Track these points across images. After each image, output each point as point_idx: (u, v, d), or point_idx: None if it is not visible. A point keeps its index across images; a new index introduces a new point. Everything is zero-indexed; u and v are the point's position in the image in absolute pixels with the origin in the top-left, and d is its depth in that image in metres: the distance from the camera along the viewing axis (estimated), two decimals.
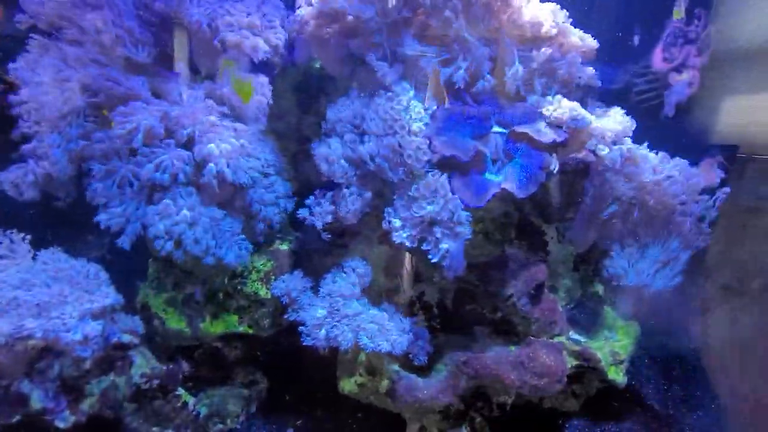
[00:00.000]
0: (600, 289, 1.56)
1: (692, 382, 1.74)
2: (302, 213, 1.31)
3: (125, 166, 1.23)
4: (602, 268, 1.50)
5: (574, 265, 1.54)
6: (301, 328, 1.32)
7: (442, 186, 1.11)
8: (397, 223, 1.14)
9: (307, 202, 1.32)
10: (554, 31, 1.19)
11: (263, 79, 1.49)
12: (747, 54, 1.61)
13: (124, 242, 1.25)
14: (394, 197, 1.16)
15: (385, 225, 1.16)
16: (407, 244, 1.13)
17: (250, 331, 1.50)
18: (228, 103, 1.41)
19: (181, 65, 1.41)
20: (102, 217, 1.23)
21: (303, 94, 1.66)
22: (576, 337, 1.51)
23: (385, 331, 1.25)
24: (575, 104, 1.15)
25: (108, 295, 1.23)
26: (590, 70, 1.21)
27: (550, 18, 1.19)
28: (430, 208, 1.10)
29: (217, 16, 1.37)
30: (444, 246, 1.11)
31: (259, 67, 1.55)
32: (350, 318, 1.27)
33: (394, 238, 1.14)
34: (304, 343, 1.31)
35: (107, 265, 1.53)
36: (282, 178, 1.45)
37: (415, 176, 1.13)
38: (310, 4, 1.30)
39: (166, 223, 1.22)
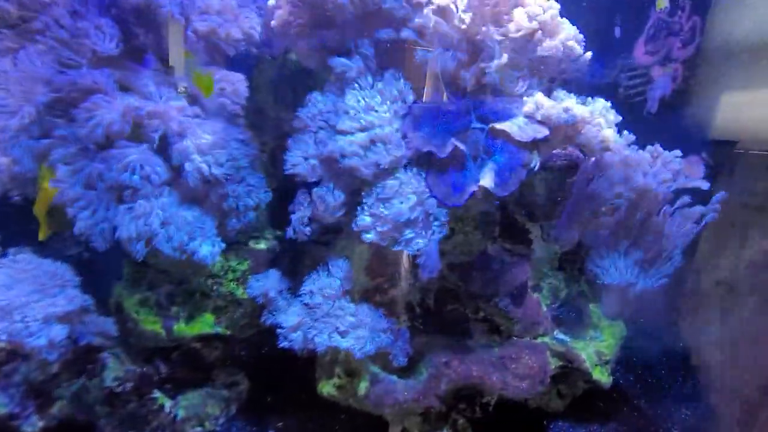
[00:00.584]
0: (586, 288, 1.53)
1: (680, 379, 1.72)
2: (289, 233, 1.27)
3: (92, 164, 1.19)
4: (587, 266, 1.47)
5: (560, 263, 1.50)
6: (278, 330, 1.29)
7: (415, 183, 1.07)
8: (368, 220, 1.10)
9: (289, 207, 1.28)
10: (541, 23, 1.14)
11: (239, 74, 1.45)
12: (744, 49, 1.58)
13: (99, 244, 1.21)
14: (364, 194, 1.12)
15: (353, 226, 1.13)
16: (378, 242, 1.09)
17: (228, 332, 1.46)
18: (202, 96, 1.36)
19: (174, 59, 1.36)
20: (79, 225, 1.19)
21: (282, 87, 1.61)
22: (561, 336, 1.48)
23: (363, 331, 1.22)
24: (559, 98, 1.11)
25: (74, 298, 1.19)
26: (586, 56, 1.15)
27: (538, 10, 1.14)
28: (402, 205, 1.06)
29: (188, 5, 1.32)
30: (418, 243, 1.07)
31: (235, 58, 1.50)
32: (328, 319, 1.24)
33: (363, 238, 1.10)
34: (280, 345, 1.29)
35: (84, 263, 1.50)
36: (256, 173, 1.40)
37: (388, 173, 1.09)
38: None
39: (138, 224, 1.18)
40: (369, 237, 1.11)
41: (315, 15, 1.24)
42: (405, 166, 1.11)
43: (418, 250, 1.08)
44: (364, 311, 1.25)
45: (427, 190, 1.09)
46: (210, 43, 1.36)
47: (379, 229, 1.09)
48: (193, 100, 1.37)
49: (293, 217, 1.26)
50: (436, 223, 1.07)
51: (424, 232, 1.07)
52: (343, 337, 1.19)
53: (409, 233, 1.08)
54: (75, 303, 1.19)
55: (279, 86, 1.60)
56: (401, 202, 1.07)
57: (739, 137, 1.63)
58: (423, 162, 1.12)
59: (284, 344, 1.27)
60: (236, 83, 1.42)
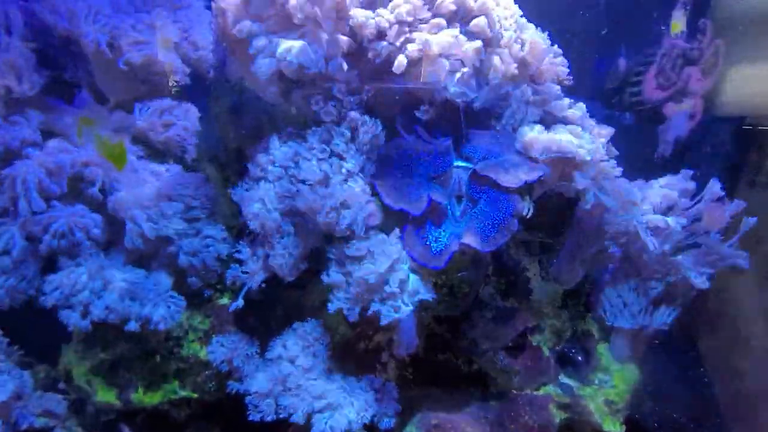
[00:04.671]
0: (592, 326, 1.37)
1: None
2: (233, 271, 1.12)
3: (12, 230, 1.02)
4: (593, 303, 1.31)
5: (562, 300, 1.34)
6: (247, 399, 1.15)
7: (386, 243, 0.90)
8: (334, 284, 0.94)
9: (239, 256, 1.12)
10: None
11: (187, 105, 1.27)
12: (754, 20, 1.41)
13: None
14: (330, 256, 0.97)
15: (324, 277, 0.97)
16: (346, 312, 0.93)
17: (195, 396, 1.32)
18: (145, 137, 1.19)
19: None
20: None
21: (243, 116, 1.43)
22: (566, 381, 1.33)
23: (341, 404, 1.07)
24: (555, 133, 0.93)
25: (6, 384, 1.04)
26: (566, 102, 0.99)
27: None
28: (371, 268, 0.90)
29: (119, 33, 1.13)
30: (391, 314, 0.91)
31: (187, 86, 1.32)
32: (300, 392, 1.09)
33: (329, 306, 0.95)
34: (249, 418, 1.14)
35: (28, 321, 1.35)
36: (214, 221, 1.23)
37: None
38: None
39: (64, 292, 1.02)
40: (338, 304, 0.94)
41: None
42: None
43: (395, 320, 0.92)
44: (341, 378, 1.10)
45: (403, 248, 0.92)
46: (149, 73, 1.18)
47: (346, 294, 0.93)
48: (135, 137, 1.20)
49: (247, 268, 1.09)
50: (412, 290, 0.91)
51: (398, 300, 0.91)
52: (320, 414, 1.04)
53: (380, 302, 0.91)
54: (7, 390, 1.03)
55: (239, 113, 1.42)
56: (371, 265, 0.90)
57: (747, 113, 1.47)
58: (398, 215, 0.95)
59: (254, 417, 1.13)
60: (184, 116, 1.25)
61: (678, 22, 1.20)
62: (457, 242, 0.90)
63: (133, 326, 1.12)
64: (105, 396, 1.25)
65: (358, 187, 0.91)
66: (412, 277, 0.92)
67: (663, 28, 1.15)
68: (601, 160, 0.97)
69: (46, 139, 1.09)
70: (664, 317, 1.22)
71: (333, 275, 0.97)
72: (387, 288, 0.89)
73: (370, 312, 0.94)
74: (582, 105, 1.01)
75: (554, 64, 1.00)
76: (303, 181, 0.97)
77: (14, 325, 1.31)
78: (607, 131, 1.07)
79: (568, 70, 1.02)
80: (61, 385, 1.32)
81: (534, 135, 0.94)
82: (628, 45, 1.25)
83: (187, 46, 1.25)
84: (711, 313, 1.67)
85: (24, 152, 1.03)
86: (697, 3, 1.30)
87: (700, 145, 1.42)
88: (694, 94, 1.23)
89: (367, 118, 0.97)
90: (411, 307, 0.90)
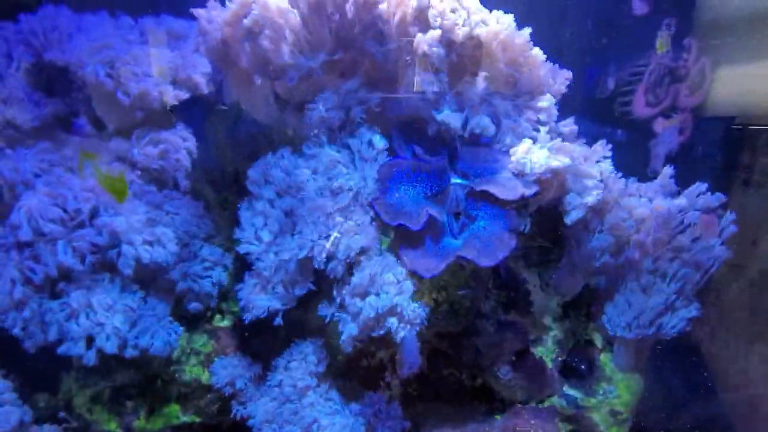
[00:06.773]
0: (595, 336, 1.37)
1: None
2: (240, 295, 1.12)
3: (20, 261, 1.02)
4: (594, 313, 1.31)
5: (563, 311, 1.34)
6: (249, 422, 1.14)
7: (391, 264, 0.91)
8: (335, 311, 0.94)
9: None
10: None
11: (184, 131, 1.29)
12: (739, 20, 1.43)
13: (28, 346, 1.06)
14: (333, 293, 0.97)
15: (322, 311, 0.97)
16: (353, 334, 0.93)
17: (197, 420, 1.30)
18: (141, 165, 1.20)
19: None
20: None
21: (240, 138, 1.44)
22: (570, 392, 1.33)
23: (340, 426, 1.06)
24: (543, 151, 0.95)
25: (11, 416, 1.03)
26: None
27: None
28: (380, 295, 0.90)
29: (117, 64, 1.15)
30: (400, 334, 0.91)
31: (185, 109, 1.34)
32: (300, 413, 1.08)
33: (342, 343, 0.94)
34: None
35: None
36: (213, 245, 1.24)
37: (358, 254, 0.93)
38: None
39: (74, 322, 1.02)
40: (345, 340, 0.93)
41: (258, 61, 1.07)
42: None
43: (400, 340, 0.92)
44: (341, 405, 1.09)
45: (402, 263, 0.93)
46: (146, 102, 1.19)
47: (350, 317, 0.93)
48: (133, 165, 1.22)
49: (240, 295, 1.10)
50: (414, 310, 0.91)
51: (402, 321, 0.91)
52: None
53: (388, 323, 0.91)
54: (11, 421, 1.03)
55: (236, 136, 1.44)
56: (377, 292, 0.90)
57: (737, 113, 1.48)
58: (397, 231, 0.96)
59: None
60: (181, 142, 1.26)
61: (663, 41, 1.23)
62: (453, 256, 0.90)
63: (132, 353, 1.12)
64: (106, 424, 1.24)
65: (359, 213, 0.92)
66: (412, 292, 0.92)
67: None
68: (591, 177, 0.98)
69: (48, 168, 1.10)
70: (668, 327, 1.21)
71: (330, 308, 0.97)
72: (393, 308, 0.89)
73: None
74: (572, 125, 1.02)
75: (549, 79, 1.02)
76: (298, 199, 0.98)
77: (14, 351, 1.31)
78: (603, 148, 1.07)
79: (564, 86, 1.04)
80: (62, 414, 1.31)
81: (523, 153, 0.95)
82: (616, 60, 1.28)
83: (184, 73, 1.27)
84: (712, 317, 1.67)
85: (28, 183, 1.04)
86: (680, 24, 1.34)
87: (691, 149, 1.44)
88: (682, 110, 1.25)
89: (371, 135, 0.98)
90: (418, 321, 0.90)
